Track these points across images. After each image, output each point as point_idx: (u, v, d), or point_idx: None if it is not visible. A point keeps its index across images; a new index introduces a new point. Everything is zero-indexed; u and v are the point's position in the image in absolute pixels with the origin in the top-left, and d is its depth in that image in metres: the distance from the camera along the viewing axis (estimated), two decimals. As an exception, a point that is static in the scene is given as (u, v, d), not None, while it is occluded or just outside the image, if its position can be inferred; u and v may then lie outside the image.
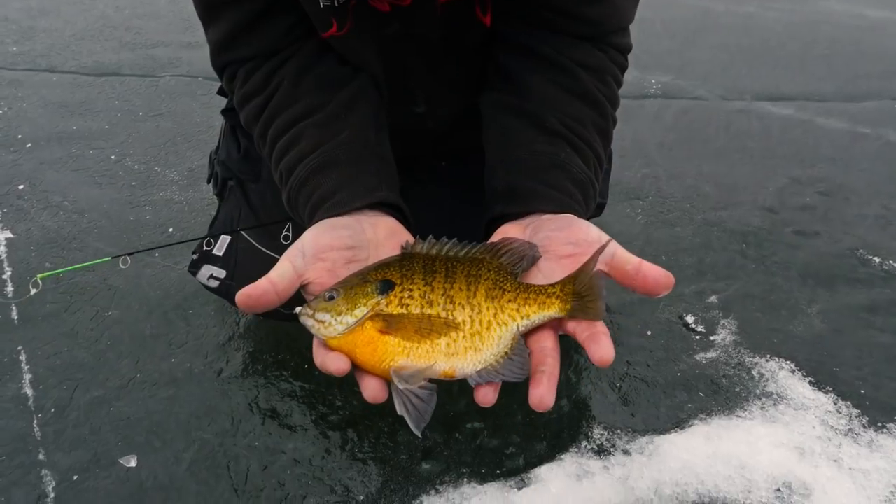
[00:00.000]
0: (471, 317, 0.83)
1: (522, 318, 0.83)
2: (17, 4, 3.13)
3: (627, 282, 0.85)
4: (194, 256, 1.53)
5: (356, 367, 0.84)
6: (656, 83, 2.36)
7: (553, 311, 0.82)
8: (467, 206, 1.23)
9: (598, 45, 1.12)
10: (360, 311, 0.81)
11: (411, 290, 0.83)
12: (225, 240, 1.49)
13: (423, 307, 0.82)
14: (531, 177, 1.01)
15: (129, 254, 1.32)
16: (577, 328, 0.84)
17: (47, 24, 2.94)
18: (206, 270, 1.50)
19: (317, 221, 0.95)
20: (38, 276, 1.25)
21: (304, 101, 1.08)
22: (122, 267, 1.31)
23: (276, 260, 1.40)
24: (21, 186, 2.01)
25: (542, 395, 0.79)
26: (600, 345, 0.80)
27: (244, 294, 0.83)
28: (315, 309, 0.81)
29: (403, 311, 0.82)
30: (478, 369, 0.81)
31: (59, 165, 2.09)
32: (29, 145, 2.18)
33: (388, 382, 0.82)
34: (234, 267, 1.47)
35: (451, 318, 0.82)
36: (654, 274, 0.84)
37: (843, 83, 2.32)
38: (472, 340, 0.82)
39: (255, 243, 1.44)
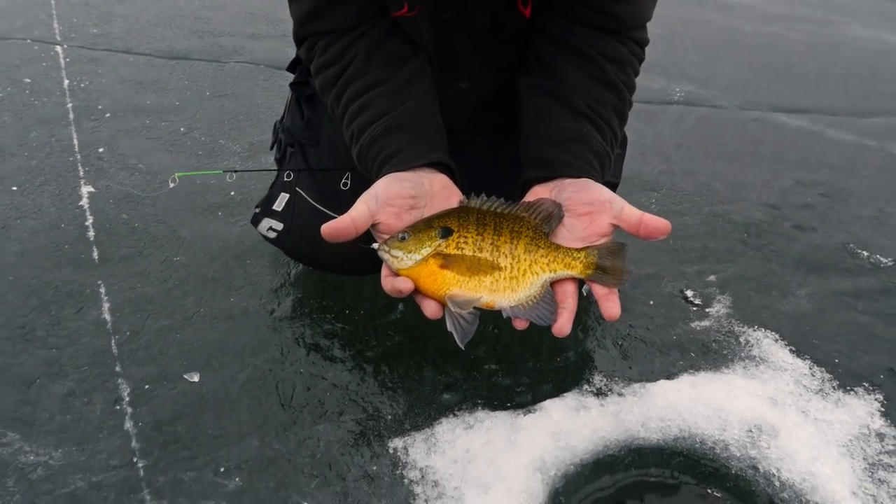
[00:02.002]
0: (511, 264, 1.03)
1: (551, 271, 1.03)
2: (98, -8, 3.39)
3: (633, 230, 1.05)
4: (256, 210, 1.73)
5: (417, 292, 1.04)
6: (680, 91, 2.53)
7: (575, 272, 1.03)
8: (497, 175, 1.43)
9: (621, 39, 1.31)
10: (426, 250, 1.02)
11: (466, 237, 1.03)
12: (284, 197, 1.69)
13: (474, 251, 1.03)
14: (558, 148, 1.20)
15: (235, 171, 1.54)
16: (596, 286, 1.04)
17: (124, 11, 3.19)
18: (266, 223, 1.70)
19: (385, 174, 1.15)
20: (177, 174, 1.49)
21: (375, 73, 1.27)
22: (229, 181, 1.52)
23: (328, 215, 1.62)
24: (101, 150, 2.24)
25: (563, 324, 1.02)
26: (611, 303, 1.02)
27: (329, 227, 1.04)
28: (391, 246, 1.02)
29: (459, 252, 1.02)
30: (512, 305, 1.02)
31: (134, 134, 2.32)
32: (108, 115, 2.41)
33: (443, 306, 1.03)
34: (292, 220, 1.67)
35: (495, 262, 1.03)
36: (654, 223, 1.03)
37: (856, 100, 2.46)
38: (510, 282, 1.03)
39: (310, 200, 1.63)
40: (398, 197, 1.10)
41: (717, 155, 2.19)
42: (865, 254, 1.79)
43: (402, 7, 1.28)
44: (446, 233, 1.04)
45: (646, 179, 2.06)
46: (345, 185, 1.55)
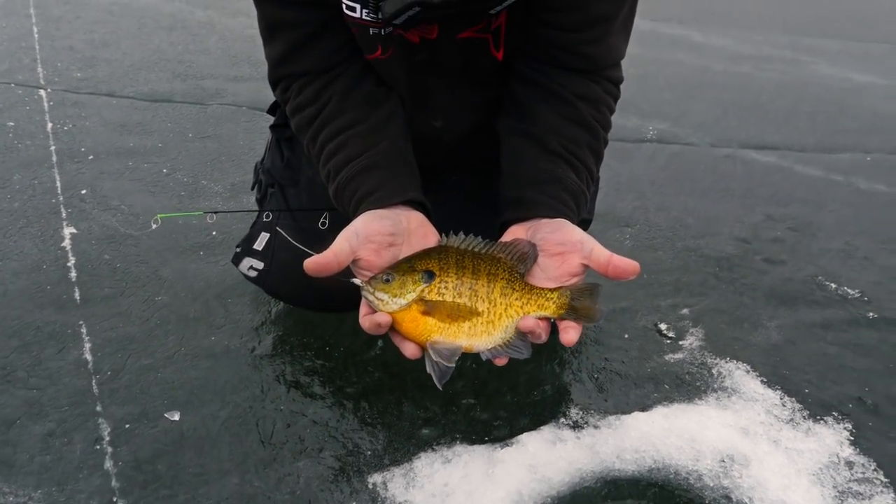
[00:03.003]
0: (488, 308, 1.06)
1: (525, 313, 1.06)
2: (82, 36, 3.44)
3: (601, 270, 1.09)
4: (237, 249, 1.76)
5: (395, 333, 1.07)
6: (653, 129, 2.60)
7: (548, 312, 1.06)
8: (472, 211, 1.46)
9: (594, 78, 1.35)
10: (410, 295, 1.04)
11: (447, 281, 1.05)
12: (265, 236, 1.72)
13: (454, 297, 1.05)
14: (534, 189, 1.23)
15: (216, 212, 1.57)
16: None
17: (108, 55, 3.24)
18: (247, 262, 1.72)
19: (362, 212, 1.18)
20: (158, 215, 1.52)
21: (351, 115, 1.31)
22: (209, 221, 1.55)
23: (308, 254, 1.65)
24: (83, 192, 2.26)
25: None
26: (571, 332, 1.05)
27: (312, 262, 1.07)
28: (375, 288, 1.05)
29: (440, 298, 1.05)
30: (489, 348, 1.06)
31: (117, 175, 2.35)
32: (91, 157, 2.44)
33: (422, 348, 1.06)
34: (272, 259, 1.70)
35: (474, 307, 1.05)
36: (622, 264, 1.07)
37: (823, 136, 2.54)
38: (486, 326, 1.06)
39: (290, 239, 1.66)
40: (378, 234, 1.13)
41: (690, 191, 2.25)
42: (834, 286, 1.84)
43: (376, 50, 1.33)
44: (429, 277, 1.06)
45: (620, 215, 2.11)
46: (323, 224, 1.59)
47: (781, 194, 2.22)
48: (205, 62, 3.13)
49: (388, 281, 1.05)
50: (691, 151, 2.48)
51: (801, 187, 2.26)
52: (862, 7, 3.74)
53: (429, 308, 1.05)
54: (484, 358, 1.06)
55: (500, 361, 1.09)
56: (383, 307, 1.05)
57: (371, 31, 1.29)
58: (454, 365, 1.05)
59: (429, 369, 1.05)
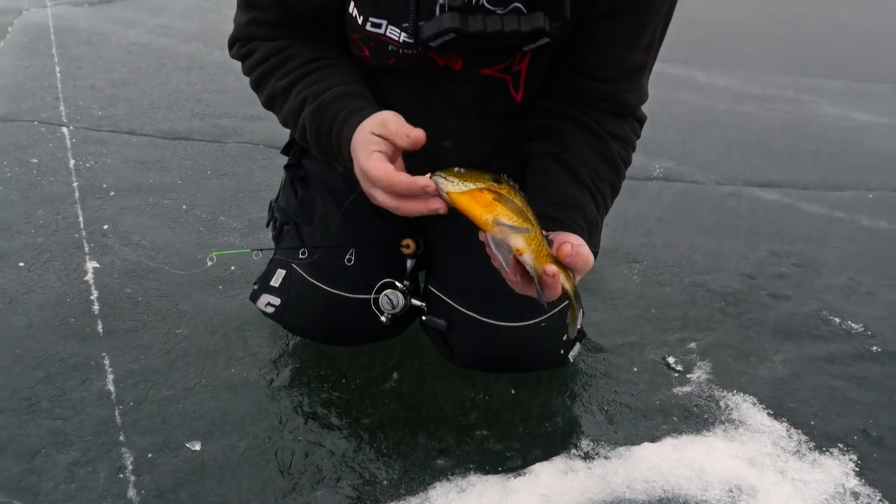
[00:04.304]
0: (536, 235, 1.13)
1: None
2: (103, 76, 3.54)
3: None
4: (255, 287, 1.82)
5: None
6: (660, 168, 2.66)
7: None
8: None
9: (626, 118, 1.44)
10: (480, 184, 1.12)
11: (513, 191, 1.13)
12: (281, 273, 1.78)
13: (521, 204, 1.13)
14: (557, 209, 1.30)
15: (261, 249, 1.64)
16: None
17: (128, 94, 3.33)
18: (265, 298, 1.78)
19: (354, 123, 1.24)
20: (214, 252, 1.58)
21: (323, 56, 1.40)
22: (255, 259, 1.63)
23: (324, 290, 1.70)
24: (105, 227, 2.33)
25: None
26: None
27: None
28: (447, 174, 1.12)
29: (510, 196, 1.12)
30: (531, 265, 1.12)
31: (138, 211, 2.42)
32: (112, 194, 2.51)
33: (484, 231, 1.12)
34: (288, 295, 1.76)
35: (533, 220, 1.13)
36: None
37: (826, 174, 2.60)
38: (535, 243, 1.12)
39: (306, 276, 1.72)
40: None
41: (696, 228, 2.30)
42: (838, 321, 1.89)
43: (389, 59, 1.39)
44: (498, 179, 1.14)
45: (628, 252, 2.16)
46: (349, 260, 1.64)
47: (786, 231, 2.27)
48: (222, 101, 3.22)
49: (459, 171, 1.13)
50: (697, 189, 2.53)
51: (804, 224, 2.31)
52: (863, 48, 3.83)
53: (500, 198, 1.12)
54: (526, 265, 1.13)
55: (530, 292, 1.17)
56: (452, 188, 1.11)
57: (390, 48, 1.36)
58: (512, 256, 1.12)
59: (494, 249, 1.12)
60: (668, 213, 2.38)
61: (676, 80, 3.35)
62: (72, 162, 2.72)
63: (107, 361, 1.77)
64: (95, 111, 3.16)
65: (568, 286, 1.15)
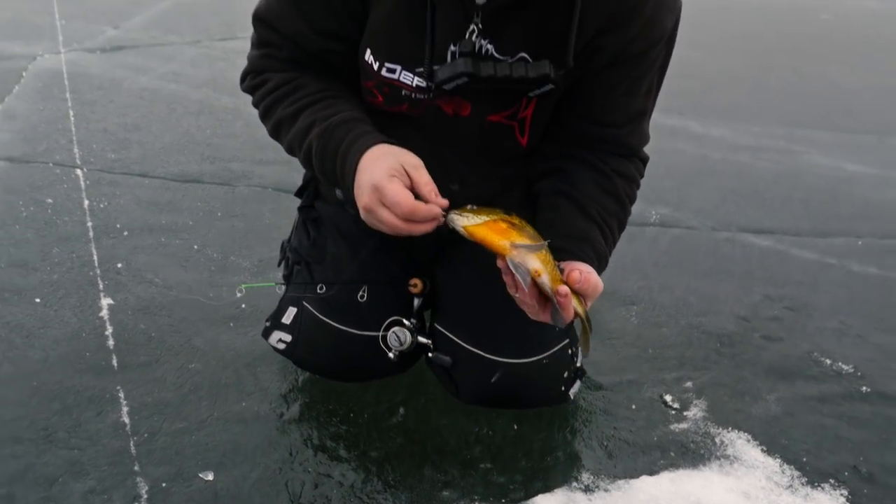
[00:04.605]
0: (550, 258, 1.24)
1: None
2: (115, 120, 3.64)
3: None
4: (267, 324, 1.88)
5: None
6: (657, 214, 2.75)
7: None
8: (487, 284, 1.60)
9: (629, 158, 1.54)
10: (494, 216, 1.24)
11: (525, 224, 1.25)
12: (292, 311, 1.85)
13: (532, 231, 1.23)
14: (567, 241, 1.38)
15: (284, 284, 1.79)
16: None
17: (140, 138, 3.43)
18: (276, 335, 1.85)
19: (367, 144, 1.34)
20: (243, 285, 1.73)
21: (332, 87, 1.50)
22: (278, 292, 1.73)
23: (334, 327, 1.78)
24: (119, 265, 2.40)
25: None
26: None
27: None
28: (461, 212, 1.24)
29: (523, 225, 1.24)
30: (548, 287, 1.22)
31: (151, 251, 2.49)
32: (126, 233, 2.59)
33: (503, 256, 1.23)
34: (299, 332, 1.83)
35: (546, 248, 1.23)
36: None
37: (817, 222, 2.69)
38: (550, 267, 1.23)
39: (316, 313, 1.79)
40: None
41: (692, 272, 2.38)
42: (829, 362, 1.96)
43: (402, 104, 1.48)
44: (508, 213, 1.27)
45: (626, 294, 2.24)
46: (362, 297, 1.72)
47: (778, 276, 2.35)
48: (232, 146, 3.32)
49: (472, 208, 1.25)
50: (692, 235, 2.62)
51: (797, 269, 2.39)
52: (852, 102, 3.96)
53: (513, 226, 1.24)
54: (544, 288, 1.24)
55: (544, 316, 1.27)
56: (467, 221, 1.23)
57: (403, 93, 1.45)
58: (530, 278, 1.22)
59: (514, 272, 1.22)
60: (665, 258, 2.47)
61: (673, 131, 3.46)
62: (86, 202, 2.81)
63: (121, 394, 1.83)
64: (108, 154, 3.25)
65: (580, 310, 1.23)
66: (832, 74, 4.40)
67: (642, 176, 1.58)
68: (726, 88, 4.20)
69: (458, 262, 1.78)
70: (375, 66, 1.43)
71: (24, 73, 4.43)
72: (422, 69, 1.39)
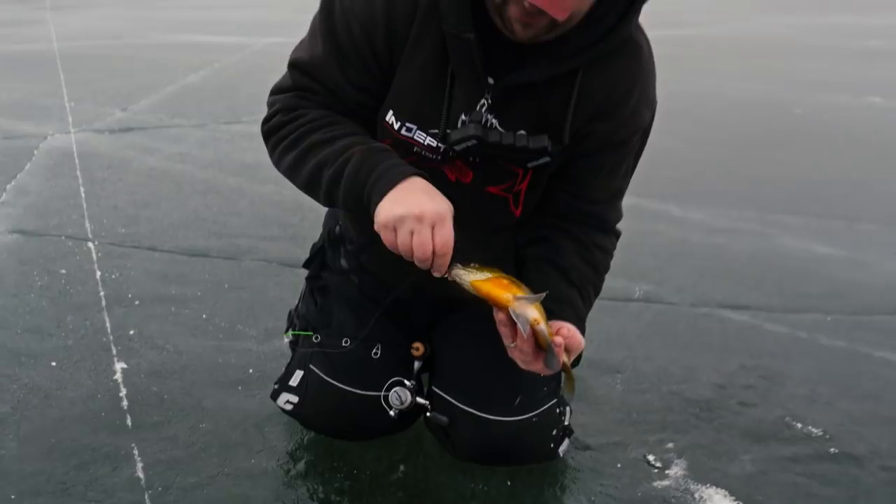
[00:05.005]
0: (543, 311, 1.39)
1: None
2: (125, 197, 3.82)
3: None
4: (275, 386, 2.01)
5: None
6: (640, 290, 2.92)
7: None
8: (480, 349, 1.75)
9: (606, 233, 1.72)
10: (496, 273, 1.40)
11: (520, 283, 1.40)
12: (299, 373, 1.98)
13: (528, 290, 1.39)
14: (553, 305, 1.50)
15: (317, 336, 1.94)
16: None
17: (149, 214, 3.60)
18: (284, 397, 1.97)
19: (403, 174, 1.44)
20: (289, 332, 1.96)
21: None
22: (314, 341, 1.93)
23: (339, 388, 1.91)
24: (131, 332, 2.53)
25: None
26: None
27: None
28: (466, 269, 1.39)
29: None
30: (546, 335, 1.38)
31: (161, 319, 2.62)
32: (137, 303, 2.73)
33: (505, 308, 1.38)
34: (305, 394, 1.95)
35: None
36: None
37: (789, 299, 2.86)
38: (543, 317, 1.39)
39: (323, 376, 1.93)
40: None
41: (673, 344, 2.54)
42: (800, 426, 2.10)
43: (409, 154, 1.60)
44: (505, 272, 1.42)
45: (611, 363, 2.39)
46: (375, 354, 1.87)
47: (753, 348, 2.51)
48: (237, 223, 3.49)
49: (475, 267, 1.40)
50: (673, 310, 2.79)
51: (770, 342, 2.55)
52: (822, 189, 4.21)
53: (512, 282, 1.39)
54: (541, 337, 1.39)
55: (536, 365, 1.43)
56: (471, 277, 1.38)
57: (415, 149, 1.62)
58: (529, 327, 1.37)
59: (516, 321, 1.37)
60: (648, 331, 2.62)
61: (654, 214, 3.67)
62: (98, 273, 2.95)
63: (136, 451, 1.94)
64: (119, 228, 3.42)
65: (565, 359, 1.39)
66: (804, 164, 4.68)
67: (615, 248, 1.77)
68: (704, 176, 4.45)
69: (454, 329, 1.93)
70: (396, 126, 1.58)
71: (35, 152, 4.64)
72: (435, 130, 1.56)
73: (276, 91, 1.65)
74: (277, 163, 1.63)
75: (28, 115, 5.65)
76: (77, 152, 4.61)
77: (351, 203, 1.50)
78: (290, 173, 1.60)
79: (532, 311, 1.37)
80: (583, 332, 1.55)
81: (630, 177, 1.73)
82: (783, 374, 2.35)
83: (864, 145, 5.05)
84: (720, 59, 8.47)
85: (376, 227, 1.43)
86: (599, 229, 1.71)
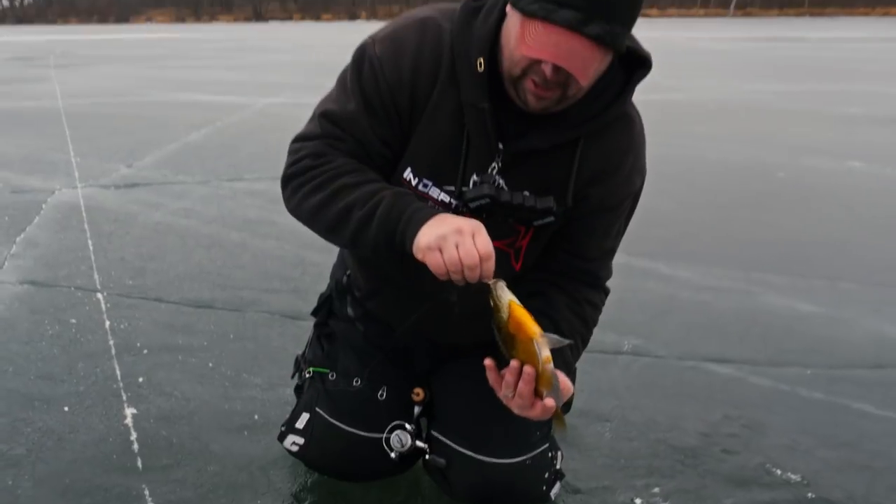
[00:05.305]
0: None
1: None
2: (132, 250, 3.96)
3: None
4: (282, 429, 2.12)
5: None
6: (629, 344, 3.05)
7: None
8: (477, 395, 1.87)
9: (596, 289, 1.86)
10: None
11: None
12: (305, 416, 2.09)
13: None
14: None
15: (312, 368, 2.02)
16: None
17: (155, 266, 3.74)
18: (290, 438, 2.08)
19: (426, 215, 1.55)
20: (311, 368, 2.00)
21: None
22: (330, 378, 2.02)
23: (343, 430, 2.03)
24: (140, 379, 2.63)
25: None
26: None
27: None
28: (507, 288, 1.51)
29: None
30: (552, 370, 1.49)
31: (169, 368, 2.74)
32: (146, 351, 2.84)
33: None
34: (311, 436, 2.06)
35: None
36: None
37: (772, 354, 2.99)
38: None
39: (329, 418, 2.04)
40: None
41: (660, 395, 2.65)
42: (780, 472, 2.20)
43: None
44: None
45: (601, 413, 2.50)
46: (381, 395, 1.98)
47: (736, 399, 2.63)
48: (241, 276, 3.63)
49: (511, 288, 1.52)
50: (661, 363, 2.92)
51: (753, 394, 2.67)
52: (805, 250, 4.37)
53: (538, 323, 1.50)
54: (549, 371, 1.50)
55: (531, 411, 1.55)
56: (510, 296, 1.51)
57: (429, 203, 1.73)
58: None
59: (536, 348, 1.48)
60: (636, 382, 2.74)
61: (643, 272, 3.82)
62: (107, 323, 3.07)
63: (146, 492, 2.04)
64: (126, 280, 3.55)
65: (557, 401, 1.51)
66: (788, 225, 4.86)
67: (603, 304, 1.89)
68: (692, 236, 4.62)
69: (452, 376, 2.05)
70: (413, 182, 1.71)
71: (43, 205, 4.80)
72: (450, 188, 1.70)
73: (302, 138, 1.76)
74: (299, 205, 1.72)
75: (35, 169, 5.83)
76: (84, 206, 4.77)
77: (381, 242, 1.60)
78: (313, 214, 1.69)
79: (546, 351, 1.49)
80: (572, 378, 1.68)
81: (621, 237, 1.88)
82: (765, 424, 2.46)
83: (844, 208, 5.25)
84: (708, 124, 8.76)
85: (420, 255, 1.53)
86: (591, 286, 1.84)
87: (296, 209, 1.74)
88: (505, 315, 1.50)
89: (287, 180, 1.74)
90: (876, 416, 2.55)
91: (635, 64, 1.64)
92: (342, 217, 1.64)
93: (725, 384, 2.75)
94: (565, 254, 1.82)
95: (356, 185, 1.64)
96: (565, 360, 1.71)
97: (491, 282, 1.51)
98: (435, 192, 1.71)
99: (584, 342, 1.83)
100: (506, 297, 1.50)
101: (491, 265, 1.51)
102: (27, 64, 17.22)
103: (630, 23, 1.49)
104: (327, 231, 1.70)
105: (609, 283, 1.91)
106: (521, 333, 1.49)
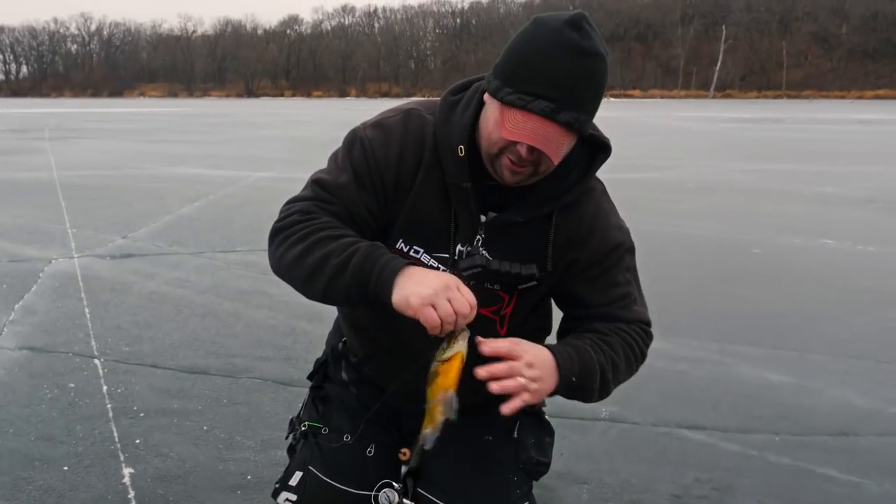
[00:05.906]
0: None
1: None
2: (128, 318, 4.10)
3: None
4: (276, 486, 2.23)
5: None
6: (606, 411, 3.19)
7: None
8: (460, 454, 2.00)
9: (629, 323, 1.88)
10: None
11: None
12: (298, 474, 2.21)
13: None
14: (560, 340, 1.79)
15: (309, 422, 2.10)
16: None
17: (151, 334, 3.87)
18: (284, 495, 2.19)
19: (402, 266, 1.67)
20: (307, 421, 2.07)
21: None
22: (347, 440, 2.09)
23: (334, 486, 2.16)
24: (137, 441, 2.75)
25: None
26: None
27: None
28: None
29: None
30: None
31: (165, 430, 2.85)
32: (142, 415, 2.96)
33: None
34: (304, 493, 2.18)
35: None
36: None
37: (742, 421, 3.14)
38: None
39: (321, 476, 2.16)
40: None
41: (635, 458, 2.79)
42: (747, 529, 2.34)
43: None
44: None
45: (578, 475, 2.63)
46: (370, 452, 2.11)
47: (708, 463, 2.77)
48: (234, 344, 3.76)
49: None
50: (636, 429, 3.06)
51: (723, 458, 2.82)
52: (777, 322, 4.55)
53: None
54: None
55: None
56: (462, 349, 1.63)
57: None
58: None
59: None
60: (613, 447, 2.88)
61: (621, 342, 4.00)
62: (104, 388, 3.19)
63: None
64: (123, 347, 3.67)
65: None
66: (761, 299, 5.06)
67: (648, 336, 1.91)
68: (669, 309, 4.80)
69: (438, 439, 2.19)
70: (405, 250, 1.90)
71: (40, 274, 4.94)
72: (442, 255, 1.85)
73: (294, 200, 1.90)
74: (282, 256, 1.83)
75: (33, 239, 5.99)
76: (81, 275, 4.92)
77: (353, 289, 1.73)
78: (293, 264, 1.80)
79: (450, 406, 1.62)
80: (573, 373, 1.76)
81: (635, 288, 1.94)
82: (734, 487, 2.60)
83: (816, 283, 5.48)
84: (684, 202, 9.08)
85: (411, 312, 1.65)
86: (617, 319, 1.88)
87: (278, 261, 1.85)
88: (446, 355, 1.64)
89: (274, 234, 1.87)
90: (840, 481, 2.69)
91: (597, 149, 1.86)
92: (319, 265, 1.75)
93: (697, 449, 2.90)
94: (581, 310, 1.91)
95: (336, 237, 1.77)
96: (582, 354, 1.75)
97: (464, 330, 1.65)
98: (426, 259, 1.89)
99: (627, 348, 1.85)
100: (460, 346, 1.65)
101: (474, 313, 1.66)
102: (22, 136, 17.54)
103: (593, 112, 1.71)
104: (304, 280, 1.81)
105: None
106: (441, 378, 1.63)
